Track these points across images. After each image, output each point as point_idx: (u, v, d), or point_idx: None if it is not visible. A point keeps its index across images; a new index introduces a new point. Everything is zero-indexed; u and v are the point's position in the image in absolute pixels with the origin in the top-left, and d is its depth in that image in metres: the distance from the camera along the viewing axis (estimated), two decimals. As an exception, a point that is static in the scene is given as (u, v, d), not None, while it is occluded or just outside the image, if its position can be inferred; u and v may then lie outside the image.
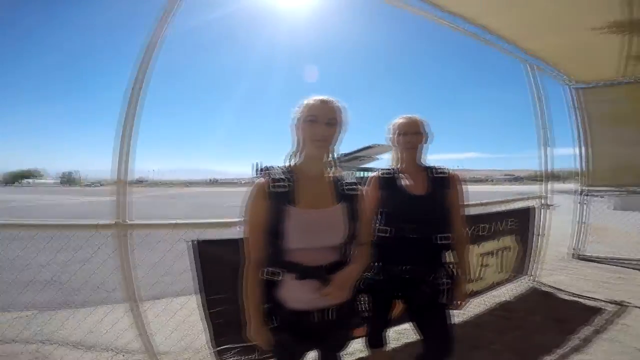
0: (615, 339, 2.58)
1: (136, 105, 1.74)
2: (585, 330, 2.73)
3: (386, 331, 1.92)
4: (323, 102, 1.22)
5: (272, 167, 1.26)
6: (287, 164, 1.30)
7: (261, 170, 1.26)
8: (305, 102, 1.24)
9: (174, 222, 1.94)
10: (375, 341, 1.89)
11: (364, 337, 1.92)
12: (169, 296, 2.93)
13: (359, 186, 1.33)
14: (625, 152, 4.53)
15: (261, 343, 1.24)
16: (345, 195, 1.28)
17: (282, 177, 1.21)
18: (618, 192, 4.80)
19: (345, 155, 22.48)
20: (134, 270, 1.89)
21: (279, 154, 1.33)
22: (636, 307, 3.17)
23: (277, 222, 1.17)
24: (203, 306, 2.02)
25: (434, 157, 1.74)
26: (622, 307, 3.19)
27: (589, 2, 2.73)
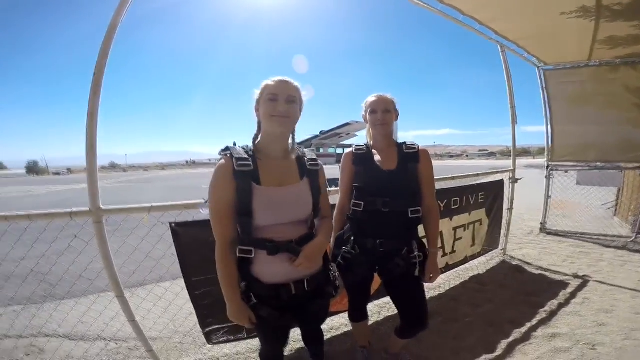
0: (577, 313, 2.69)
1: (100, 85, 1.65)
2: (551, 304, 2.85)
3: (366, 305, 2.00)
4: (282, 81, 1.25)
5: (234, 147, 1.27)
6: (250, 145, 1.31)
7: (222, 151, 1.26)
8: (265, 82, 1.27)
9: (149, 205, 1.88)
10: (357, 315, 1.98)
11: (347, 312, 2.01)
12: (151, 282, 2.92)
13: (320, 161, 1.40)
14: (587, 130, 4.79)
15: (243, 322, 1.26)
16: (309, 170, 1.34)
17: (245, 156, 1.23)
18: (580, 168, 5.02)
19: (325, 132, 22.61)
20: (114, 257, 1.86)
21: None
22: (596, 281, 3.29)
23: (244, 200, 1.19)
24: (188, 289, 2.02)
25: (413, 133, 1.74)
26: (584, 281, 3.31)
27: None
